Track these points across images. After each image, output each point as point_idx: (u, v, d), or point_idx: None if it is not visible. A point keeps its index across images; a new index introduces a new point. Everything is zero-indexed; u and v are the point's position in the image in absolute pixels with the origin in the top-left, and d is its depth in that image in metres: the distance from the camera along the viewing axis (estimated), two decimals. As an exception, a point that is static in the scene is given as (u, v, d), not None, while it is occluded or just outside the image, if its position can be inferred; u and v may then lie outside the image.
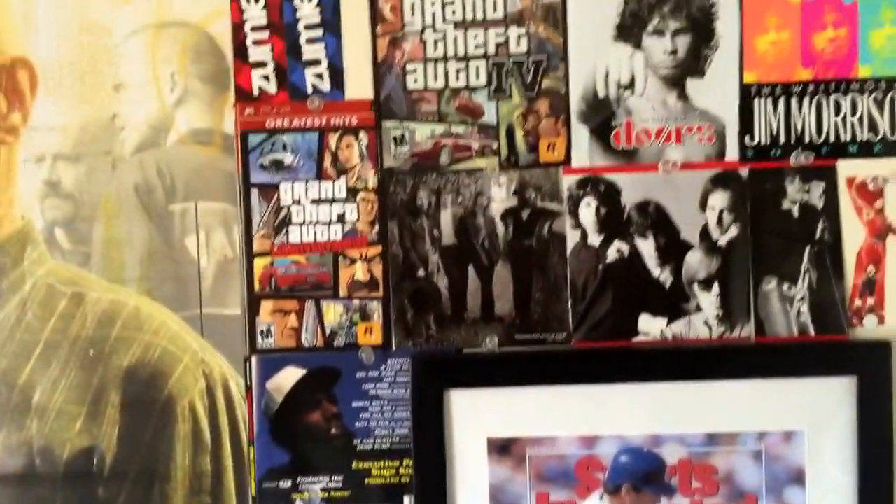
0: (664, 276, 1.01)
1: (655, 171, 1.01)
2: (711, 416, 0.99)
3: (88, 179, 1.02)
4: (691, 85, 1.00)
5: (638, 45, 1.00)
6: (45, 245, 1.02)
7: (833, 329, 1.01)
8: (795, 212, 1.01)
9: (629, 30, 1.00)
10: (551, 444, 1.00)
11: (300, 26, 1.00)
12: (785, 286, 1.01)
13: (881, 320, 1.01)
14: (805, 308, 1.01)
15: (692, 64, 1.00)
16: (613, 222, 1.01)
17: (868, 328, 1.01)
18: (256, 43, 1.00)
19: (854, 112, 1.00)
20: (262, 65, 1.00)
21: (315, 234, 1.01)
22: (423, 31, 1.00)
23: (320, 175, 1.01)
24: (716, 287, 1.01)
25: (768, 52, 1.00)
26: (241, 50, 1.00)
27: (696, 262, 1.01)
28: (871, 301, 1.01)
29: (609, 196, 1.01)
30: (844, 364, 0.98)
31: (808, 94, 1.00)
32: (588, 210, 1.01)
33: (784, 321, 1.01)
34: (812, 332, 1.00)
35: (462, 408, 1.00)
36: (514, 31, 1.00)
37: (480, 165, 1.01)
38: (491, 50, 1.00)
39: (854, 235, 1.01)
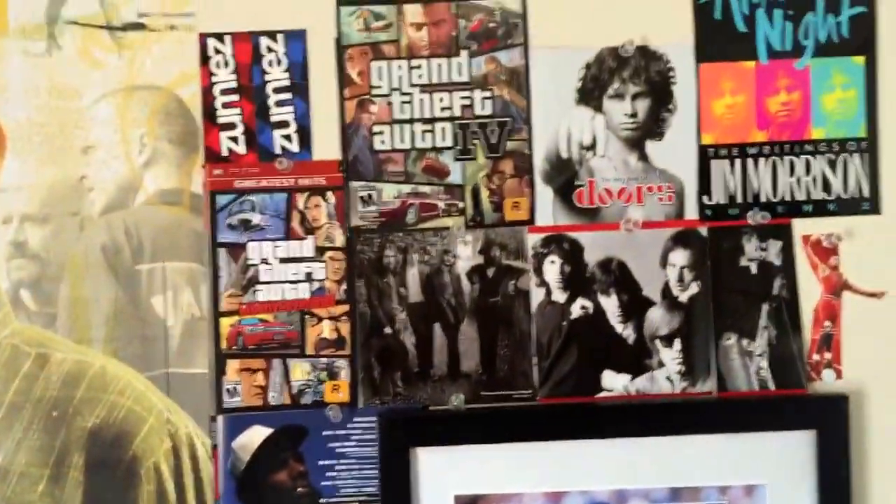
0: (627, 332, 1.03)
1: (617, 230, 1.03)
2: (675, 471, 1.00)
3: (55, 240, 1.02)
4: (651, 146, 1.03)
5: (599, 108, 1.03)
6: (10, 306, 1.02)
7: (792, 383, 1.03)
8: (753, 269, 1.04)
9: (590, 93, 1.03)
10: (518, 501, 1.00)
11: (269, 89, 1.02)
12: (745, 342, 1.03)
13: (839, 374, 1.04)
14: (764, 363, 1.03)
15: (651, 126, 1.03)
16: (577, 280, 1.03)
17: (826, 382, 1.04)
18: (226, 105, 1.02)
19: (808, 172, 1.04)
20: (231, 126, 1.02)
21: (283, 292, 1.02)
22: (390, 94, 1.03)
23: (288, 234, 1.03)
24: (677, 343, 1.03)
25: (724, 115, 1.04)
26: (210, 112, 1.02)
27: (657, 318, 1.03)
28: (828, 356, 1.04)
29: (573, 254, 1.03)
30: (804, 418, 1.00)
31: (763, 156, 1.04)
32: (552, 268, 1.03)
33: (744, 376, 1.03)
34: (772, 386, 1.03)
35: (429, 466, 1.00)
36: (478, 94, 1.03)
37: (447, 224, 1.03)
38: (457, 112, 1.03)
39: (811, 292, 1.04)
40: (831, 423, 1.00)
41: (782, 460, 1.00)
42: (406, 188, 1.03)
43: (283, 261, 1.02)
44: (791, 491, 1.00)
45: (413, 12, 1.02)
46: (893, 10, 1.02)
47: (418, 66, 1.03)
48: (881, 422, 1.03)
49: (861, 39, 1.02)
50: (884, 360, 1.03)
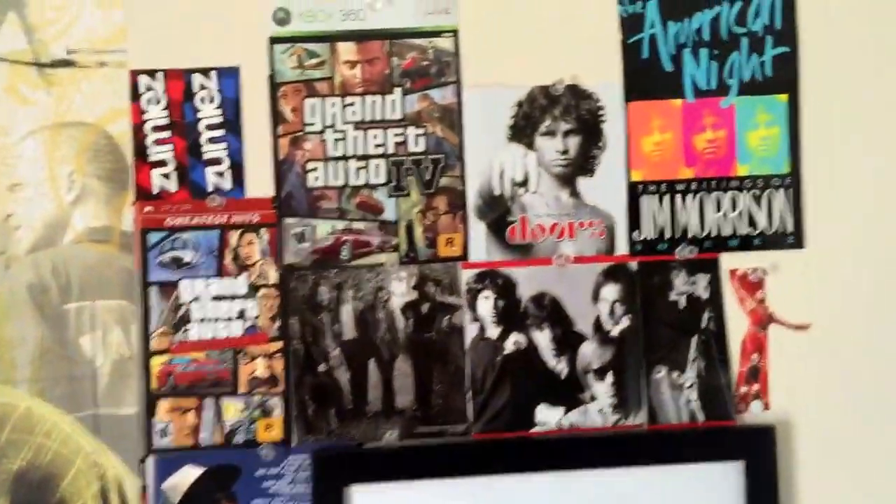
0: (560, 366, 1.04)
1: (550, 265, 1.05)
2: (608, 504, 1.03)
3: (-20, 280, 1.02)
4: (582, 182, 1.05)
5: (531, 145, 1.05)
6: (-68, 347, 1.01)
7: (720, 415, 1.05)
8: (682, 303, 1.06)
9: (522, 131, 1.05)
10: (453, 537, 1.01)
11: (201, 126, 1.02)
12: (675, 374, 1.05)
13: (766, 406, 1.06)
14: (694, 395, 1.05)
15: (582, 163, 1.05)
16: (511, 315, 1.04)
17: (754, 413, 1.06)
18: (157, 142, 1.01)
19: (734, 208, 1.06)
20: (162, 164, 1.01)
21: (215, 330, 1.01)
22: (323, 131, 1.03)
23: (221, 272, 1.02)
24: (609, 376, 1.04)
25: (653, 152, 1.06)
26: (141, 149, 1.01)
27: (590, 352, 1.05)
28: (756, 387, 1.06)
29: (506, 289, 1.04)
30: (731, 449, 1.02)
31: (691, 192, 1.06)
32: (486, 303, 1.04)
33: (674, 408, 1.05)
34: (701, 418, 1.04)
35: (364, 503, 1.00)
36: (412, 131, 1.04)
37: (381, 261, 1.03)
38: (390, 149, 1.04)
39: (738, 325, 1.06)
40: (759, 454, 1.02)
41: (712, 492, 1.02)
42: (340, 225, 1.03)
43: (216, 298, 1.01)
44: (720, 521, 1.03)
45: (346, 50, 1.03)
46: (815, 49, 1.06)
47: (352, 104, 1.03)
48: (808, 452, 1.05)
49: (784, 78, 1.06)
50: (810, 390, 1.06)
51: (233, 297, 1.01)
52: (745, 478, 1.01)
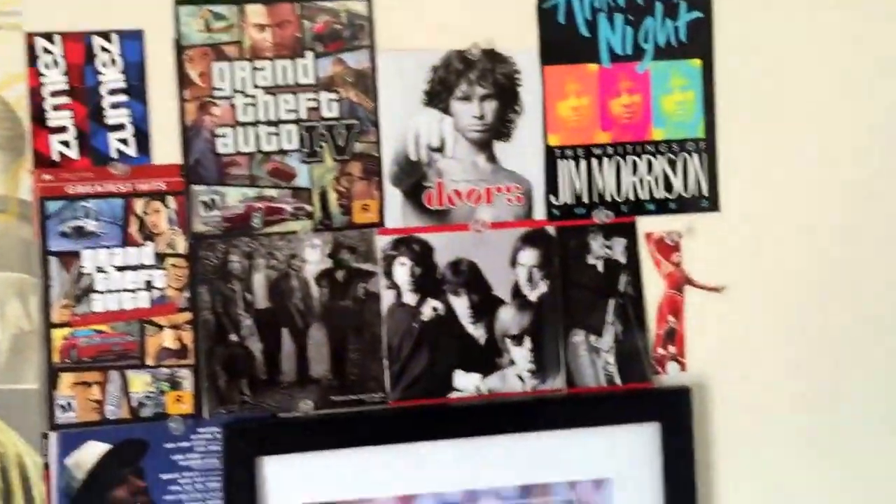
0: (478, 332, 1.03)
1: (467, 231, 1.04)
2: (525, 469, 1.01)
3: None
4: (499, 147, 1.04)
5: (446, 110, 1.03)
6: None
7: (638, 378, 1.05)
8: (600, 267, 1.06)
9: (438, 95, 1.03)
10: (370, 506, 1.00)
11: (103, 91, 0.98)
12: (592, 338, 1.05)
13: (683, 367, 1.07)
14: (611, 359, 1.06)
15: (499, 128, 1.04)
16: (428, 281, 1.03)
17: (671, 376, 1.07)
18: (56, 108, 0.97)
19: (650, 172, 1.07)
20: (62, 130, 0.98)
21: (120, 302, 0.98)
22: (233, 96, 1.00)
23: (126, 241, 0.99)
24: (528, 341, 1.04)
25: (570, 117, 1.06)
26: (39, 115, 0.97)
27: (508, 317, 1.04)
28: (672, 350, 1.07)
29: (423, 255, 1.03)
30: (648, 411, 1.03)
31: (607, 156, 1.06)
32: (402, 270, 1.03)
33: (592, 372, 1.05)
34: (619, 381, 1.05)
35: (277, 475, 0.98)
36: (325, 96, 1.02)
37: (294, 228, 1.02)
38: (303, 114, 1.01)
39: (655, 288, 1.07)
40: (675, 416, 1.03)
41: (628, 453, 1.02)
42: (251, 192, 1.00)
43: (121, 269, 0.98)
44: (637, 483, 1.02)
45: (255, 13, 1.00)
46: (728, 15, 1.06)
47: (262, 68, 1.00)
48: (724, 413, 1.07)
49: (698, 43, 1.06)
50: (726, 353, 1.07)
51: (139, 268, 0.98)
52: (662, 439, 1.02)
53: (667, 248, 1.07)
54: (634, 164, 1.06)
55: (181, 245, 1.00)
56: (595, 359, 1.05)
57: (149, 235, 0.99)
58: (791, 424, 1.08)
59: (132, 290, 0.98)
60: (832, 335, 1.09)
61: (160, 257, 0.99)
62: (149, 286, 0.99)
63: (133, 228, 0.99)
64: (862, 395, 1.09)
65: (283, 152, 1.01)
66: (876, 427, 1.09)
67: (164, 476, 0.98)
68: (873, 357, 1.09)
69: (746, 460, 1.07)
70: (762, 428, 1.07)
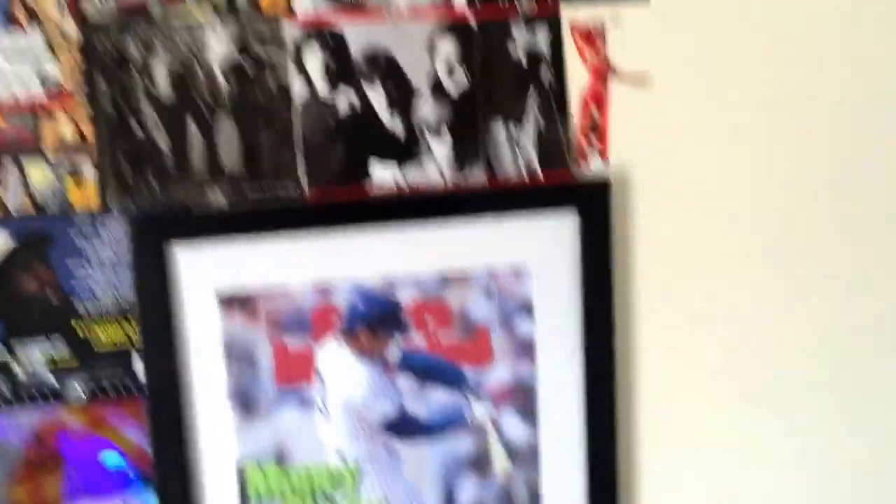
0: (396, 124, 1.01)
1: (383, 20, 1.00)
2: (445, 258, 1.01)
3: None
4: (416, -73, 0.98)
5: None
6: None
7: (559, 169, 1.04)
8: (523, 58, 1.02)
9: None
10: (285, 293, 0.99)
11: None
12: (513, 129, 1.03)
13: (605, 160, 1.06)
14: (532, 150, 1.04)
15: None
16: (342, 72, 0.98)
17: (593, 169, 1.06)
18: None
19: (577, -44, 1.02)
20: None
21: (12, 92, 0.93)
22: None
23: (11, 21, 0.92)
24: (447, 133, 1.02)
25: None
26: None
27: (427, 109, 1.01)
28: (595, 142, 1.06)
29: (336, 46, 0.98)
30: (567, 201, 1.02)
31: (531, -62, 1.01)
32: (315, 60, 0.98)
33: (512, 163, 1.04)
34: (539, 173, 1.05)
35: (188, 263, 0.96)
36: None
37: (196, 15, 0.96)
38: None
39: (579, 79, 1.03)
40: (593, 207, 1.02)
41: (547, 243, 1.02)
42: (148, -26, 0.94)
43: (7, 57, 0.92)
44: (556, 273, 1.03)
45: None
46: None
47: None
48: (645, 205, 1.06)
49: None
50: (649, 147, 1.06)
51: (26, 55, 0.93)
52: (581, 229, 1.02)
53: (592, 38, 1.03)
54: (560, -53, 1.01)
55: (72, 33, 0.94)
56: (516, 150, 1.04)
57: (37, 21, 0.93)
58: (710, 221, 1.08)
59: (22, 79, 0.93)
60: (757, 128, 1.08)
61: (51, 46, 0.93)
62: (41, 75, 0.93)
63: (19, 13, 0.92)
64: (786, 182, 1.10)
65: (180, -69, 0.94)
66: (798, 220, 1.10)
67: (72, 264, 0.96)
68: (802, 150, 1.10)
69: (665, 253, 1.08)
70: (682, 223, 1.08)
